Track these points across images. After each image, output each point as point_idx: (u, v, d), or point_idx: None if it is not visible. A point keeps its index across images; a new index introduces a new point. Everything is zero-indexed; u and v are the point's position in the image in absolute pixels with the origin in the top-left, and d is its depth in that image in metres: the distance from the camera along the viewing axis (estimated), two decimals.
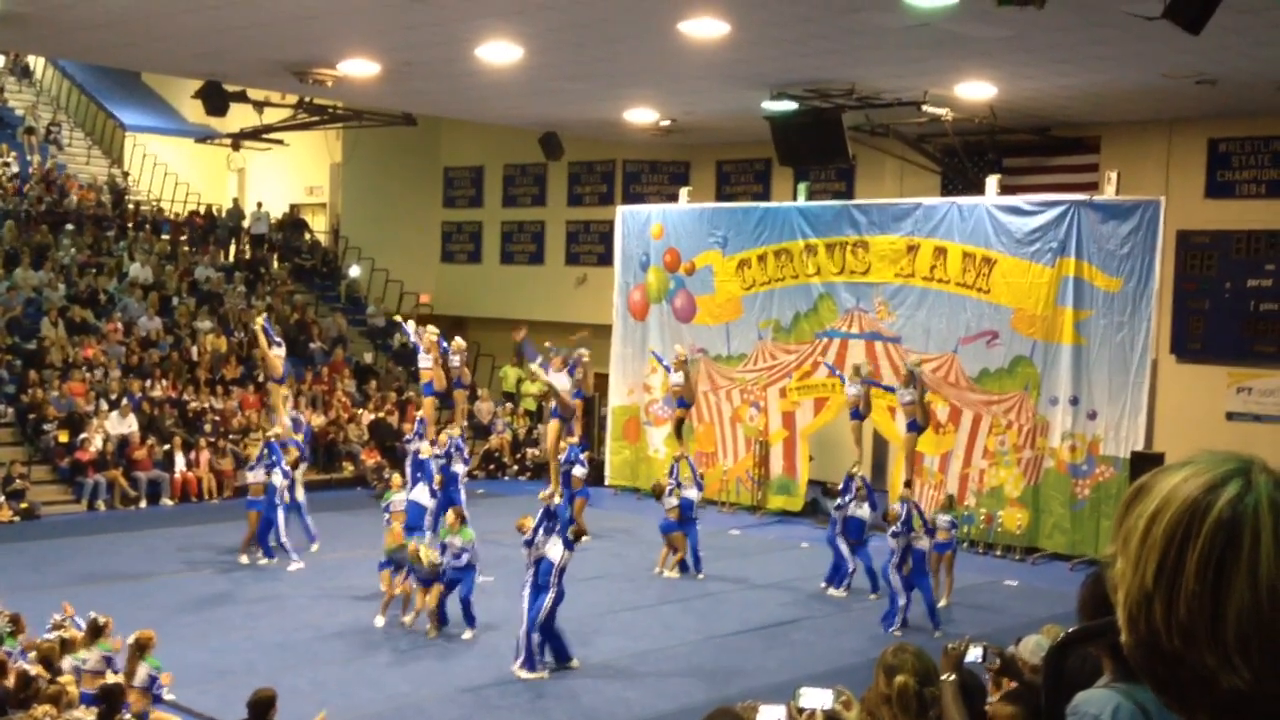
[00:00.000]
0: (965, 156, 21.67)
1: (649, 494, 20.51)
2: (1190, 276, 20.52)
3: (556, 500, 15.20)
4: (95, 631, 11.01)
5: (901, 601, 15.28)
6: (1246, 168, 20.31)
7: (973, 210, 20.40)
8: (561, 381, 20.36)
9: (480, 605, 14.78)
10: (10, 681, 10.03)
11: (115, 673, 10.85)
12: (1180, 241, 20.32)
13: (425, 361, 20.38)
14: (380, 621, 14.81)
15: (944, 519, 16.61)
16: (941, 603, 16.03)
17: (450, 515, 15.05)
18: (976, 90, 18.68)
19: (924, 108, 18.97)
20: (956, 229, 20.50)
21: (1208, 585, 1.31)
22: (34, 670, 10.17)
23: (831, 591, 16.99)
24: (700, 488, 18.69)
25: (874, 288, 21.45)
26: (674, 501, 18.02)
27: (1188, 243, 20.45)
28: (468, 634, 14.46)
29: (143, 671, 10.76)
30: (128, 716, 9.93)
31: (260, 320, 20.09)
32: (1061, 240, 19.40)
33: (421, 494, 17.67)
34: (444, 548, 14.66)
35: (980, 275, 20.28)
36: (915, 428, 19.23)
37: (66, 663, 10.86)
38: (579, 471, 19.33)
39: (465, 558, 14.48)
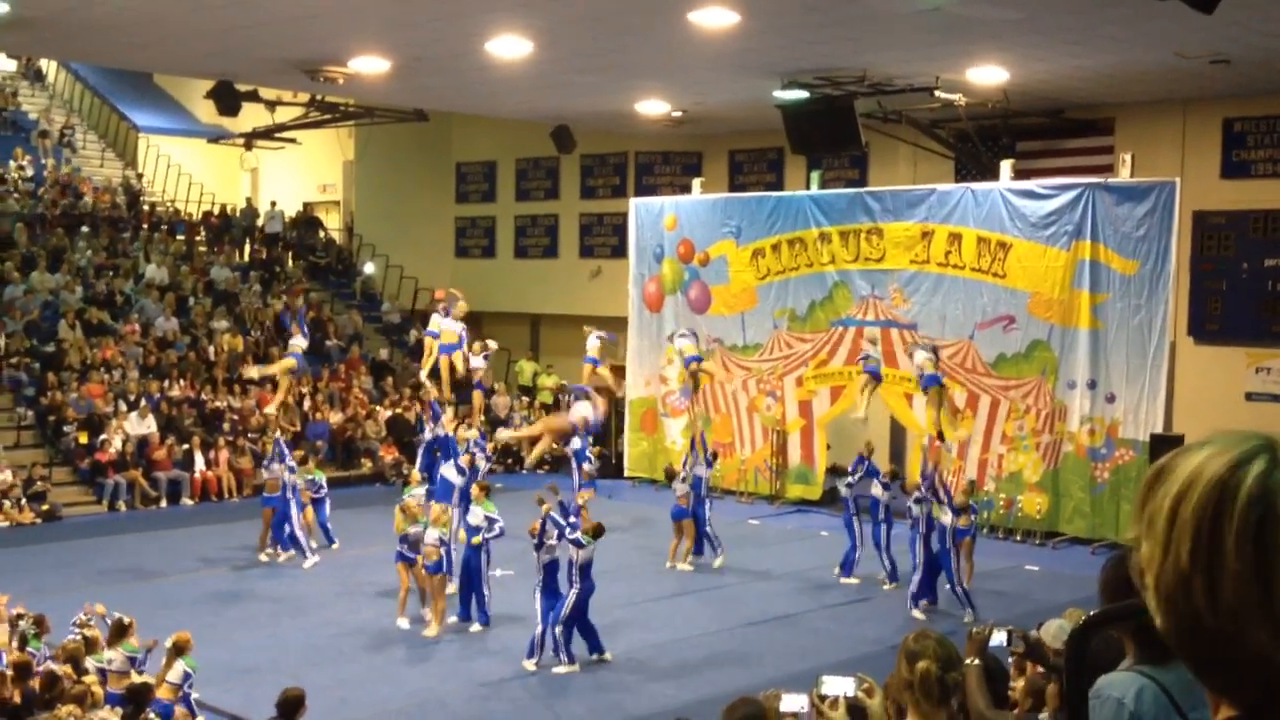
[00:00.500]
0: (978, 141, 21.59)
1: (666, 485, 20.48)
2: (1207, 257, 20.43)
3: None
4: (120, 632, 11.06)
5: (917, 576, 15.23)
6: (1262, 147, 20.20)
7: (987, 195, 20.33)
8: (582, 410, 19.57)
9: (500, 599, 14.83)
10: (36, 682, 10.10)
11: (140, 673, 10.91)
12: (1196, 222, 20.22)
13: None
14: (404, 623, 14.78)
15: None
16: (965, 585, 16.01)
17: (474, 489, 15.49)
18: (988, 74, 18.60)
19: (936, 93, 18.91)
20: (971, 214, 20.43)
21: (1249, 563, 1.30)
22: (61, 670, 10.23)
23: (844, 580, 16.93)
24: (710, 464, 18.71)
25: (889, 275, 21.39)
26: (684, 488, 18.02)
27: (1204, 223, 20.36)
28: (475, 628, 14.53)
29: (179, 668, 10.85)
30: (153, 715, 9.98)
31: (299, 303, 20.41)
32: (1077, 223, 19.31)
33: (450, 471, 17.27)
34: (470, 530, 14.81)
35: (996, 260, 20.20)
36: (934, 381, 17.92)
37: (90, 663, 10.92)
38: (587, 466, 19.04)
39: (497, 527, 14.70)
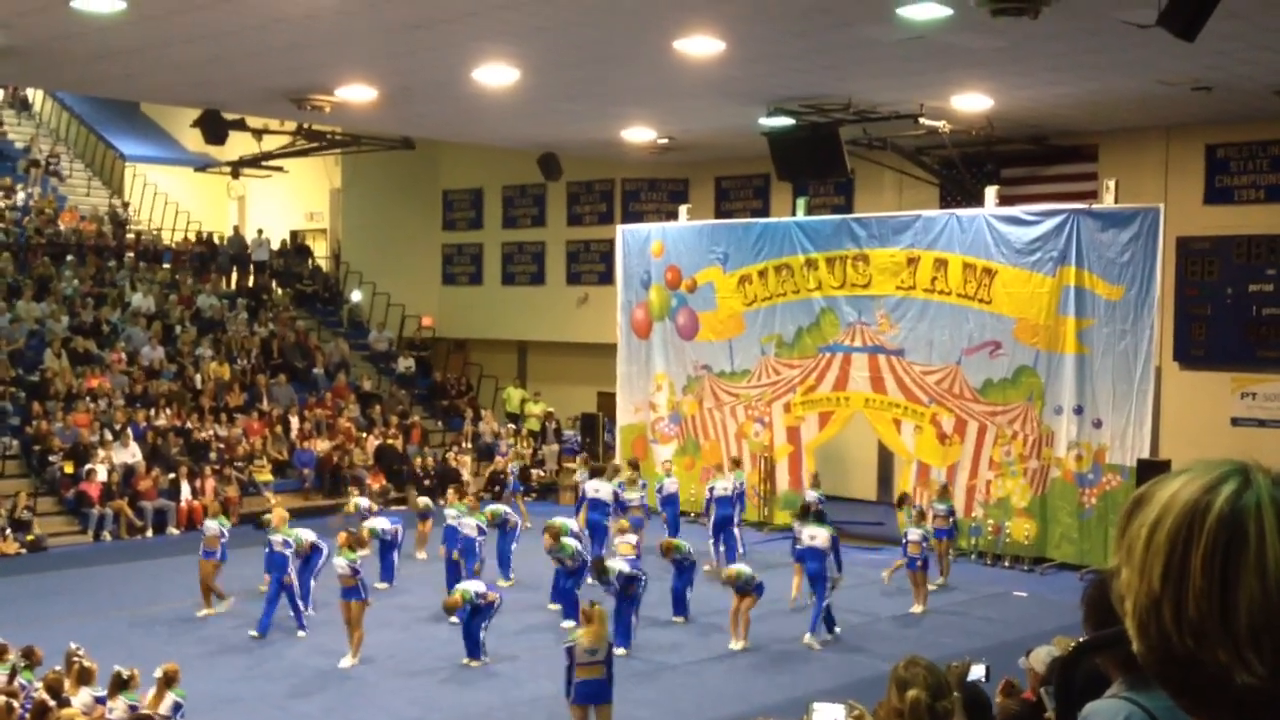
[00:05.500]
0: (963, 168, 21.71)
1: (657, 512, 20.46)
2: (1192, 283, 20.54)
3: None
4: (121, 684, 10.94)
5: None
6: (1245, 173, 20.35)
7: (972, 221, 20.42)
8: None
9: (494, 629, 14.75)
10: (27, 714, 10.02)
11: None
12: (1180, 248, 20.33)
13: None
14: (347, 662, 14.41)
15: (940, 507, 18.19)
16: (939, 581, 17.83)
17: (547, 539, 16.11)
18: (973, 101, 18.72)
19: (921, 120, 19.02)
20: (956, 240, 20.51)
21: (1215, 581, 1.32)
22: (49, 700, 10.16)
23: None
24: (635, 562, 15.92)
25: (875, 301, 21.45)
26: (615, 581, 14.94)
27: (1188, 249, 20.47)
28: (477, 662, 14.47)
29: (169, 699, 10.81)
30: None
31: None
32: (1062, 249, 19.40)
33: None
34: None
35: (981, 286, 20.28)
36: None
37: (84, 694, 10.83)
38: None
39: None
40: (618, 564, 15.06)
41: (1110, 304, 19.06)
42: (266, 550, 15.85)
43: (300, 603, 15.73)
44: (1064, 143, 21.79)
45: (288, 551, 15.66)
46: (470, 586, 14.57)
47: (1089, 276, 19.18)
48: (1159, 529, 1.38)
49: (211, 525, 16.99)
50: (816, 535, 15.66)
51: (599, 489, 19.35)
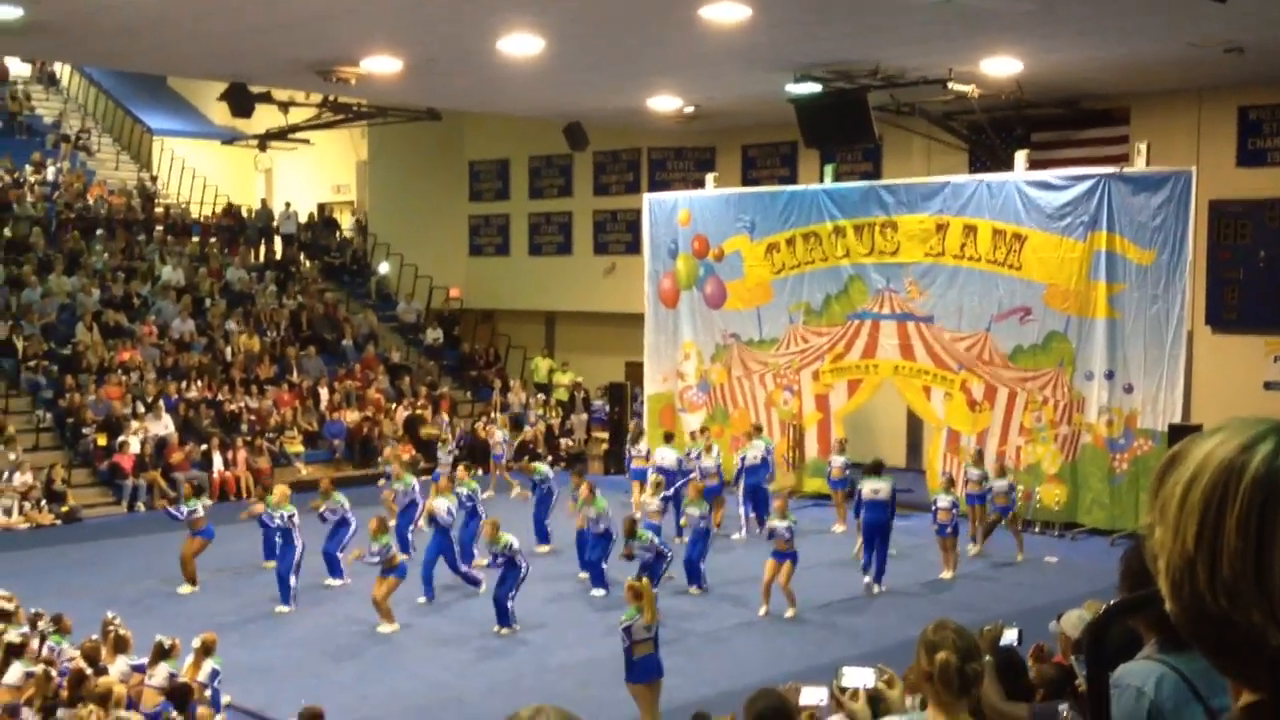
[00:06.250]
0: (993, 133, 21.54)
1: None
2: (1224, 246, 20.35)
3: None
4: (162, 653, 11.06)
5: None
6: (1278, 135, 20.12)
7: (1002, 187, 20.27)
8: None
9: (519, 600, 14.83)
10: (64, 681, 10.16)
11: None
12: (1213, 211, 20.14)
13: None
14: (388, 628, 14.63)
15: (974, 472, 18.33)
16: (976, 549, 17.99)
17: (584, 489, 16.56)
18: (1002, 65, 18.55)
19: (949, 85, 18.87)
20: (986, 206, 20.37)
21: (1250, 541, 1.32)
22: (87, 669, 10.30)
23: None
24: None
25: (904, 268, 21.35)
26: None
27: (1220, 212, 20.28)
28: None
29: (207, 667, 10.96)
30: (175, 714, 10.04)
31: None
32: (1093, 214, 19.25)
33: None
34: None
35: (1011, 252, 20.15)
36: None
37: (120, 662, 10.97)
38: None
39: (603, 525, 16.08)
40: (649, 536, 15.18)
41: (1142, 268, 18.91)
42: (274, 525, 15.99)
43: (294, 579, 15.63)
44: (1095, 106, 21.58)
45: (292, 527, 15.72)
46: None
47: (1120, 241, 19.03)
48: (1194, 488, 1.37)
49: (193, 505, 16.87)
50: (879, 488, 16.40)
51: (665, 456, 19.87)
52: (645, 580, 11.62)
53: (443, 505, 16.10)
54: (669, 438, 21.49)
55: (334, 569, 16.66)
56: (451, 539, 16.31)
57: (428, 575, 15.89)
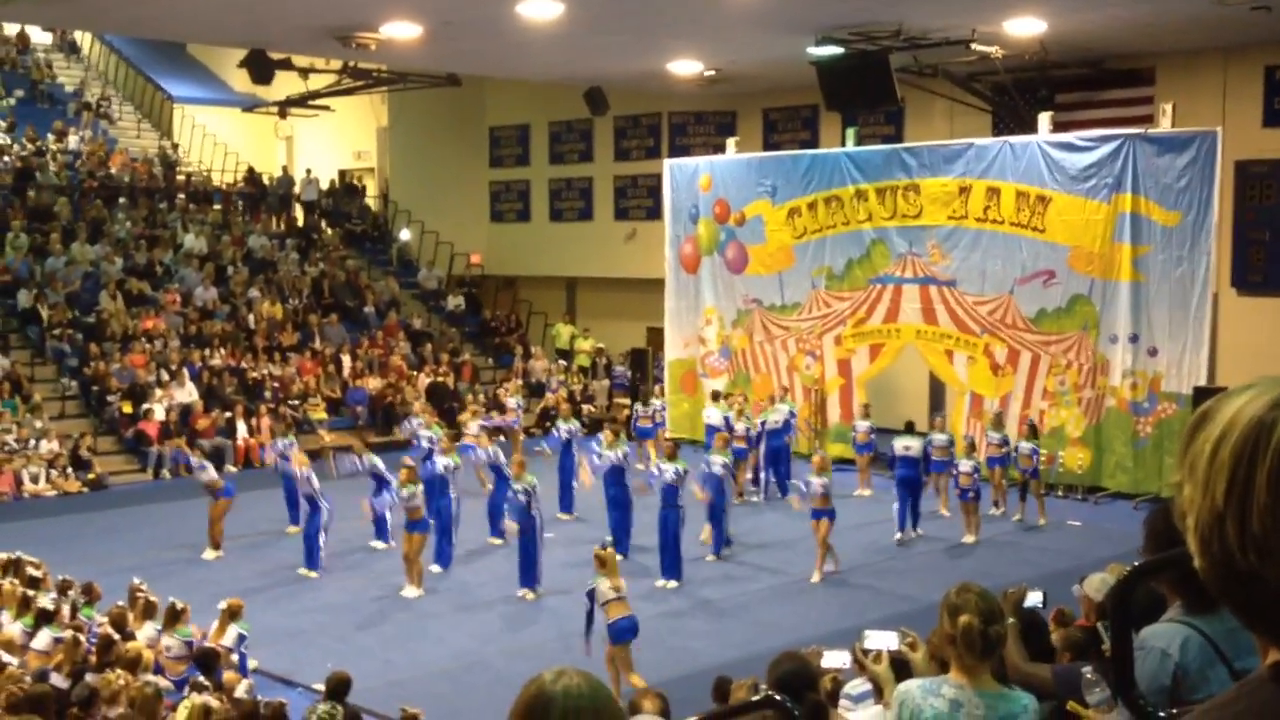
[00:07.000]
0: (1016, 94, 21.35)
1: (705, 445, 20.52)
2: (1250, 207, 20.17)
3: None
4: (174, 617, 11.14)
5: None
6: None
7: (1025, 148, 20.12)
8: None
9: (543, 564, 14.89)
10: (94, 647, 10.26)
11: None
12: (1239, 172, 19.95)
13: None
14: (412, 592, 14.75)
15: (994, 435, 18.50)
16: (1017, 516, 18.13)
17: (668, 445, 16.43)
18: (1026, 25, 18.37)
19: (973, 46, 18.70)
20: (1009, 168, 20.22)
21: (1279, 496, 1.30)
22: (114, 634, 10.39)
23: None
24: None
25: (927, 231, 21.23)
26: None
27: (1246, 173, 20.08)
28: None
29: (233, 632, 11.04)
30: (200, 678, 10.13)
31: None
32: (1117, 175, 19.09)
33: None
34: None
35: (1035, 214, 20.01)
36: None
37: (148, 628, 11.06)
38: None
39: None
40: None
41: (1167, 230, 18.77)
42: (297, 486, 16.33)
43: (321, 541, 15.77)
44: (1119, 66, 21.36)
45: (313, 489, 15.88)
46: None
47: (1145, 202, 18.88)
48: (1223, 445, 1.37)
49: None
50: (910, 445, 17.60)
51: (710, 415, 20.79)
52: (610, 549, 11.82)
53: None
54: (716, 396, 21.88)
55: (380, 531, 16.95)
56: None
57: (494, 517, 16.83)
